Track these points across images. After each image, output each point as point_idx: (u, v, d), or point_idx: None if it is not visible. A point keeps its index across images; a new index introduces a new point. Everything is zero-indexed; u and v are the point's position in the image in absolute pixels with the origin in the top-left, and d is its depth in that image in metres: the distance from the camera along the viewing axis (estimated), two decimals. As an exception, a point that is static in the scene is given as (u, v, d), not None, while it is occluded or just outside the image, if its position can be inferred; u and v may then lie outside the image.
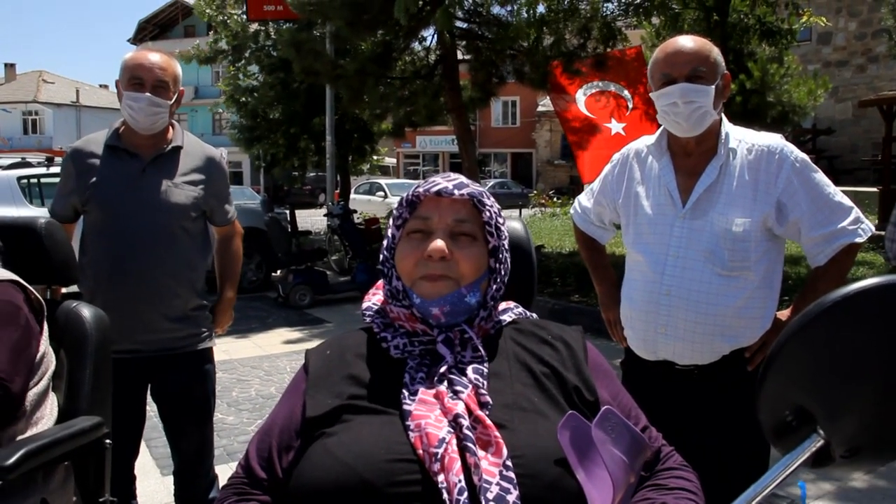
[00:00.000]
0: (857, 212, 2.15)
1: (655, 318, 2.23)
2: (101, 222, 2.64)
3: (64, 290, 2.57)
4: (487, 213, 1.34)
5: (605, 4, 9.65)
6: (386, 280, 1.37)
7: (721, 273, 2.13)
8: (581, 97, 10.29)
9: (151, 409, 2.81)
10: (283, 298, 9.77)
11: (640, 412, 1.39)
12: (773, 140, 2.18)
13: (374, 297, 1.44)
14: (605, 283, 2.67)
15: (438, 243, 1.28)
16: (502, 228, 1.39)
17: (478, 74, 10.65)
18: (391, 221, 1.39)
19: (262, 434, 1.32)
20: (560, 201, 25.09)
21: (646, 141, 2.38)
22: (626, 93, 10.05)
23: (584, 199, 2.64)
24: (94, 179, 2.64)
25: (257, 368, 6.62)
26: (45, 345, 1.98)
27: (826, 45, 20.84)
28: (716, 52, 2.17)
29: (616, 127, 9.89)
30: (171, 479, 2.92)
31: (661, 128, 2.30)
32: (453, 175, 1.38)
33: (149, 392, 2.79)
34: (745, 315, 2.15)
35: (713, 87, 2.12)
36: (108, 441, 2.02)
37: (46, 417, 1.94)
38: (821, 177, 2.15)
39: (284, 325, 8.62)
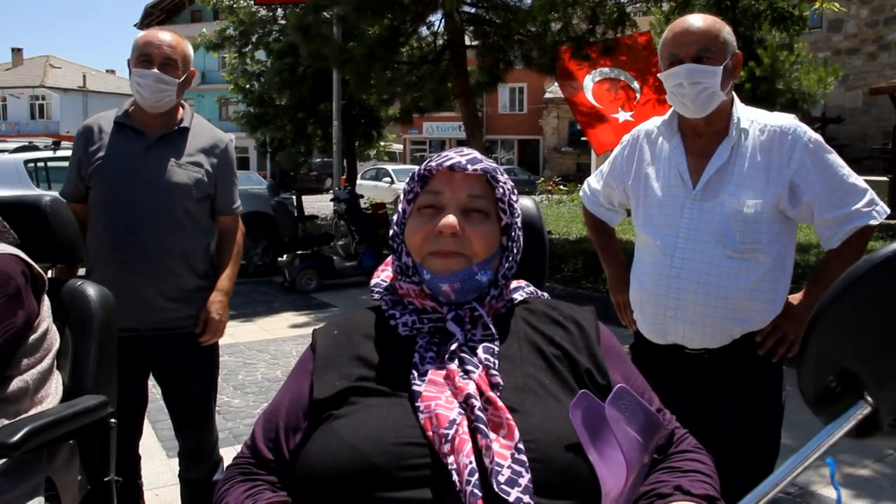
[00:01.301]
0: (871, 193, 2.12)
1: (665, 300, 2.19)
2: (102, 198, 2.63)
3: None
4: (501, 190, 1.31)
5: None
6: (395, 256, 1.34)
7: (732, 255, 2.10)
8: (589, 83, 10.22)
9: (157, 391, 2.81)
10: (290, 283, 9.77)
11: (653, 394, 1.36)
12: (786, 120, 2.14)
13: (383, 274, 1.41)
14: (614, 265, 2.64)
15: (450, 219, 1.25)
16: (515, 206, 1.35)
17: (485, 59, 10.59)
18: (402, 196, 1.36)
19: (268, 414, 1.30)
20: (567, 188, 25.03)
21: (656, 122, 2.35)
22: (635, 84, 9.98)
23: (593, 182, 2.61)
24: (98, 155, 2.64)
25: (263, 352, 6.62)
26: (47, 322, 1.97)
27: (837, 33, 20.65)
28: (726, 31, 2.13)
29: (624, 116, 9.83)
30: (176, 460, 2.91)
31: (672, 108, 2.27)
32: (466, 150, 1.34)
33: (152, 374, 2.78)
34: (756, 298, 2.12)
35: (721, 67, 2.08)
36: (112, 420, 2.01)
37: (51, 396, 1.93)
38: (835, 157, 2.12)
39: (291, 310, 8.63)
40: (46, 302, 2.00)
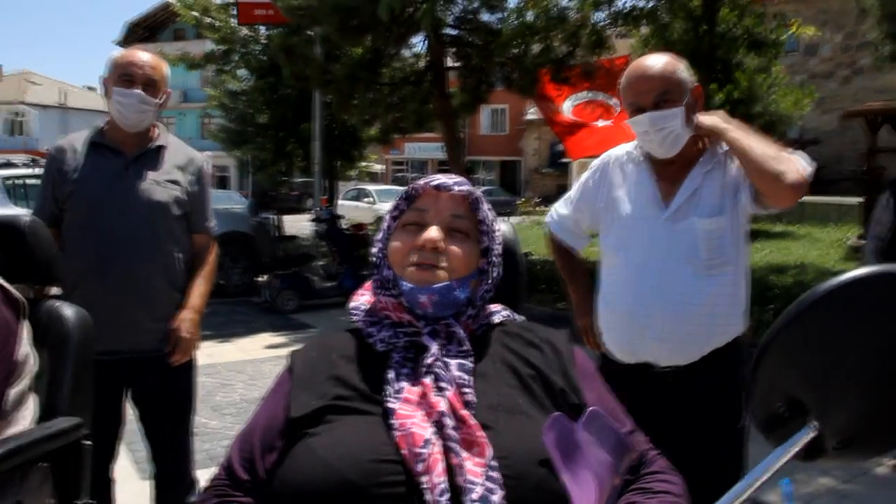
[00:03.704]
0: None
1: (636, 318, 2.24)
2: (83, 219, 2.61)
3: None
4: (483, 213, 1.36)
5: (595, 13, 9.67)
6: (377, 270, 1.37)
7: (700, 272, 2.18)
8: (568, 106, 10.33)
9: (131, 412, 2.78)
10: (269, 303, 9.73)
11: (626, 416, 1.38)
12: None
13: (362, 298, 1.43)
14: (579, 290, 2.67)
15: (433, 232, 1.29)
16: (496, 232, 1.40)
17: (467, 81, 10.67)
18: (388, 214, 1.39)
19: (244, 435, 1.30)
20: (547, 209, 25.14)
21: (625, 147, 2.42)
22: (613, 101, 10.10)
23: (560, 208, 2.66)
24: (76, 176, 2.61)
25: (241, 373, 6.58)
26: (27, 345, 1.95)
27: (812, 57, 21.03)
28: (681, 69, 2.21)
29: (604, 122, 9.94)
30: (151, 483, 2.88)
31: None
32: (453, 174, 1.40)
33: (129, 395, 2.76)
34: (721, 312, 2.20)
35: (681, 108, 2.16)
36: (87, 442, 1.99)
37: (26, 418, 1.90)
38: None
39: (269, 330, 8.59)
40: (26, 325, 1.98)
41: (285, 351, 7.42)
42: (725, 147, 2.22)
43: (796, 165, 2.10)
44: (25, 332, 1.96)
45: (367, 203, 24.88)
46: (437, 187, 1.34)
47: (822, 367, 0.92)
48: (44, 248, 2.19)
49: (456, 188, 1.33)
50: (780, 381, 0.96)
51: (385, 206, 24.12)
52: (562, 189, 34.64)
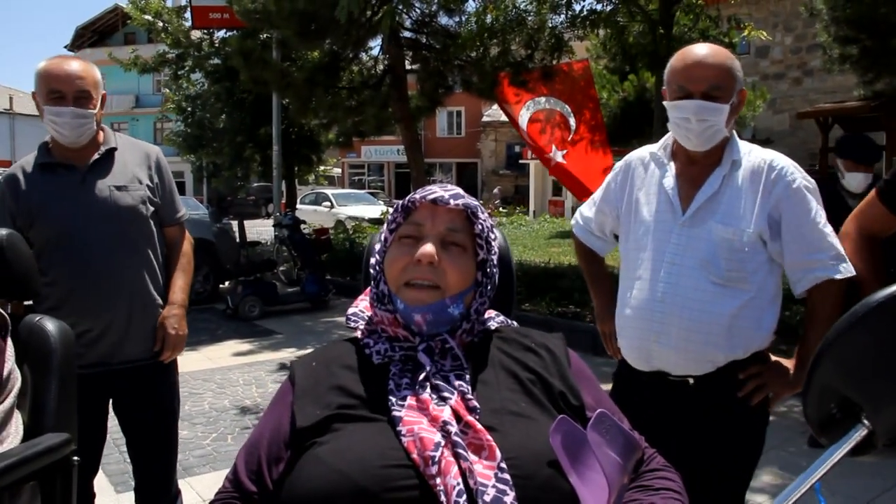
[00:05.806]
0: (840, 249, 2.11)
1: (649, 325, 2.17)
2: (53, 241, 2.54)
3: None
4: (479, 226, 1.37)
5: (552, 16, 9.77)
6: (374, 283, 1.38)
7: (716, 282, 2.10)
8: (525, 115, 10.45)
9: (109, 423, 2.74)
10: (233, 310, 9.63)
11: (623, 416, 1.42)
12: (778, 157, 2.17)
13: (361, 304, 1.46)
14: (602, 295, 2.60)
15: (428, 248, 1.30)
16: (493, 243, 1.41)
17: (425, 84, 10.69)
18: (385, 226, 1.41)
19: (249, 447, 1.32)
20: (506, 211, 25.30)
21: (650, 148, 2.35)
22: (572, 120, 10.27)
23: (585, 210, 2.58)
24: (34, 201, 2.54)
25: (209, 381, 6.51)
26: (10, 362, 1.92)
27: (763, 59, 21.44)
28: (736, 67, 2.13)
29: (557, 156, 10.12)
30: (126, 496, 2.86)
31: (668, 133, 2.28)
32: (450, 185, 1.41)
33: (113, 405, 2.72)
34: (739, 324, 2.11)
35: (728, 105, 2.09)
36: (75, 458, 1.97)
37: (12, 436, 1.88)
38: (815, 205, 2.12)
39: (235, 337, 8.50)
40: (10, 342, 1.95)
41: (252, 358, 7.35)
42: (730, 148, 2.17)
43: (841, 285, 2.10)
44: (10, 349, 1.94)
45: (326, 207, 24.75)
46: (434, 201, 1.34)
47: (876, 372, 1.00)
48: (22, 262, 2.15)
49: (452, 202, 1.34)
50: (835, 385, 1.04)
51: (344, 210, 24.06)
52: (520, 190, 34.87)
